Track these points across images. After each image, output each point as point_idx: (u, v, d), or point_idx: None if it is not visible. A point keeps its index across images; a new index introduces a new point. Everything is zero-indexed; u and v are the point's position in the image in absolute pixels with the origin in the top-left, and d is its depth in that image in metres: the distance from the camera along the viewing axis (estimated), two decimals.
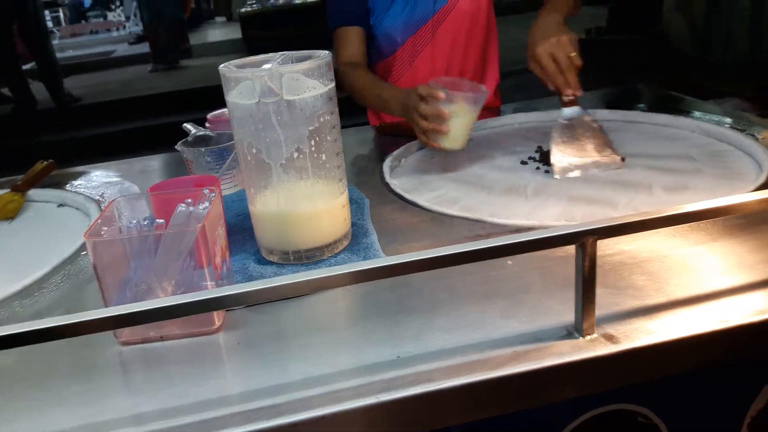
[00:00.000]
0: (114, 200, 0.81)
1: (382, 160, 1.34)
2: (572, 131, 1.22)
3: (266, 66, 0.82)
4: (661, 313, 0.72)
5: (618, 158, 1.19)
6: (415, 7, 1.58)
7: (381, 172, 1.29)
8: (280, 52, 0.89)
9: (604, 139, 1.22)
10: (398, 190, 1.18)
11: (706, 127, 1.33)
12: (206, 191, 0.76)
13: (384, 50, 1.64)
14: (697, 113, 1.42)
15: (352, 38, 1.58)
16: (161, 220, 0.72)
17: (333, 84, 0.86)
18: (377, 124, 1.72)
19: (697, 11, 5.08)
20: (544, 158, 1.25)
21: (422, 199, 1.13)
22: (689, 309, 0.72)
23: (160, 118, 5.02)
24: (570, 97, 1.22)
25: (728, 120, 1.35)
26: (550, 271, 0.82)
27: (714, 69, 4.96)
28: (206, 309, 0.61)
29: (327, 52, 0.86)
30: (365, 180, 1.27)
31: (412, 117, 1.26)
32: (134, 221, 0.74)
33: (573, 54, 1.19)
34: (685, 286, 0.77)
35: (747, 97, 2.75)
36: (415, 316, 0.76)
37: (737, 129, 1.27)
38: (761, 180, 1.04)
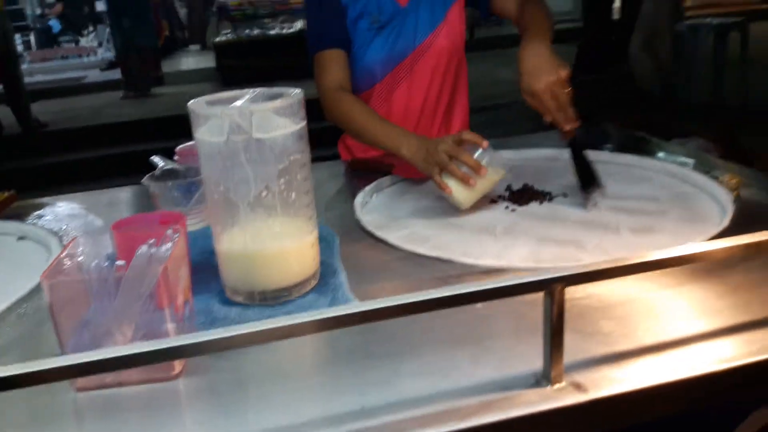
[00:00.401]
0: (75, 238, 0.79)
1: (354, 196, 1.33)
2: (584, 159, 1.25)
3: (236, 103, 0.81)
4: (629, 360, 0.72)
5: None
6: (396, 42, 1.59)
7: (352, 208, 1.28)
8: (252, 89, 0.89)
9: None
10: (369, 227, 1.17)
11: (670, 168, 1.35)
12: (169, 232, 0.74)
13: (362, 84, 1.64)
14: (661, 154, 1.45)
15: (336, 61, 1.54)
16: (121, 262, 0.70)
17: (304, 122, 0.85)
18: (349, 159, 1.72)
19: (662, 52, 5.26)
20: (513, 197, 1.26)
21: (393, 237, 1.12)
22: (657, 356, 0.72)
23: (131, 146, 4.96)
24: (570, 131, 1.23)
25: (692, 162, 1.37)
26: (520, 314, 0.82)
27: (678, 109, 5.11)
28: (163, 359, 0.58)
29: (299, 90, 0.85)
30: (336, 216, 1.26)
31: (439, 158, 1.20)
32: (94, 262, 0.71)
33: (570, 89, 1.21)
34: (652, 332, 0.77)
35: (710, 138, 2.83)
36: (383, 361, 0.74)
37: (700, 171, 1.30)
38: (724, 224, 1.06)
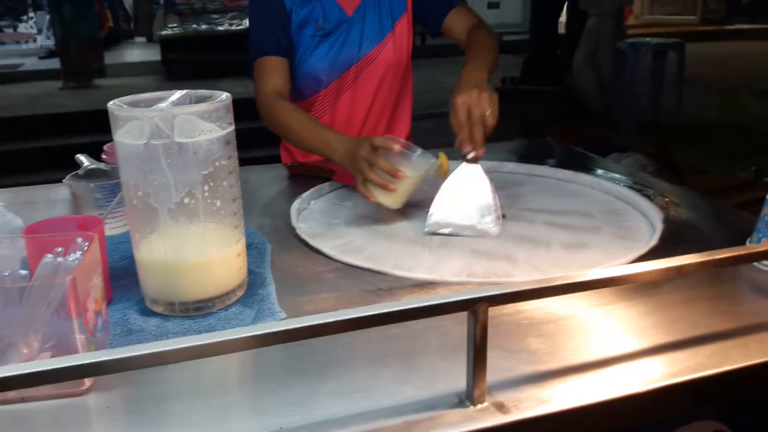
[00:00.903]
0: None
1: (291, 202, 1.30)
2: (462, 187, 1.19)
3: (158, 106, 0.77)
4: (554, 380, 0.71)
5: (493, 228, 1.15)
6: (341, 51, 1.57)
7: (287, 215, 1.25)
8: (180, 91, 0.85)
9: (492, 203, 1.17)
10: (303, 236, 1.15)
11: (605, 185, 1.38)
12: (79, 240, 0.69)
13: (305, 91, 1.62)
14: (599, 171, 1.47)
15: (276, 68, 1.51)
16: (25, 272, 0.65)
17: (232, 128, 0.82)
18: (290, 163, 1.69)
19: (604, 69, 5.42)
20: None
21: (327, 246, 1.09)
22: (582, 376, 0.72)
23: (68, 138, 4.76)
24: (471, 154, 1.18)
25: (627, 178, 1.40)
26: (447, 331, 0.81)
27: (618, 124, 5.28)
28: (64, 378, 0.54)
29: (227, 94, 0.82)
30: (270, 223, 1.22)
31: (359, 166, 1.19)
32: None
33: (488, 112, 1.18)
34: (579, 350, 0.77)
35: (647, 153, 2.92)
36: (306, 378, 0.72)
37: (634, 188, 1.33)
38: (653, 242, 1.08)
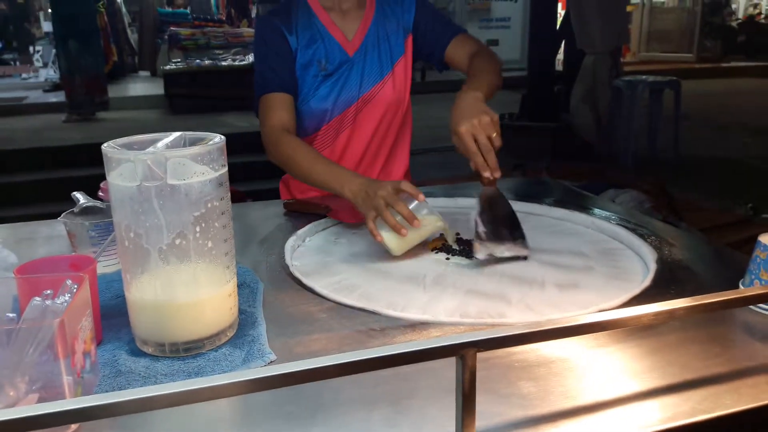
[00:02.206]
0: None
1: (286, 239, 1.31)
2: (492, 213, 1.24)
3: (151, 149, 0.78)
4: (545, 425, 0.71)
5: (525, 251, 1.21)
6: (342, 90, 1.60)
7: (282, 252, 1.25)
8: (175, 133, 0.86)
9: (517, 227, 1.25)
10: (297, 273, 1.15)
11: (599, 224, 1.38)
12: (69, 282, 0.69)
13: (307, 128, 1.65)
14: (594, 209, 1.48)
15: (282, 104, 1.53)
16: (12, 315, 0.65)
17: (225, 170, 0.82)
18: (287, 199, 1.69)
19: (601, 106, 5.48)
20: (446, 248, 1.26)
21: (320, 285, 1.09)
22: (573, 421, 0.72)
23: (70, 170, 4.79)
24: (489, 178, 1.22)
25: (621, 217, 1.41)
26: (438, 373, 0.80)
27: (615, 161, 5.31)
28: (50, 424, 0.54)
29: (221, 137, 0.83)
30: (264, 260, 1.22)
31: (376, 203, 1.20)
32: None
33: (494, 135, 1.21)
34: (570, 395, 0.76)
35: (644, 190, 2.94)
36: (294, 423, 0.71)
37: (628, 227, 1.33)
38: (646, 283, 1.08)
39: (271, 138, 1.49)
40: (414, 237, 1.21)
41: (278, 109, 1.53)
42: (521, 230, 1.25)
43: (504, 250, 1.20)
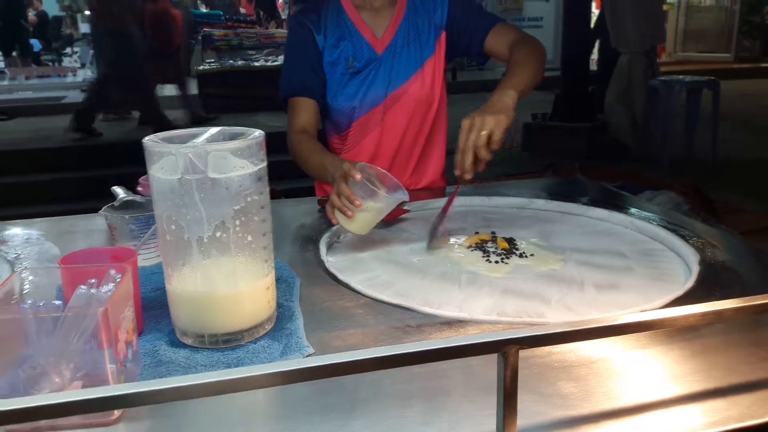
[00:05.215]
0: (14, 272, 0.75)
1: (321, 235, 1.31)
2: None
3: (193, 142, 0.79)
4: (586, 425, 0.69)
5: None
6: (368, 90, 1.60)
7: (317, 248, 1.25)
8: (215, 128, 0.87)
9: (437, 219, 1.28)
10: (332, 269, 1.15)
11: (639, 224, 1.35)
12: (112, 272, 0.71)
13: (338, 126, 1.66)
14: (633, 209, 1.45)
15: (304, 108, 1.58)
16: (59, 302, 0.66)
17: (264, 164, 0.83)
18: (321, 197, 1.70)
19: (636, 106, 5.38)
20: (481, 246, 1.25)
21: (355, 281, 1.09)
22: (615, 422, 0.70)
23: (107, 168, 4.88)
24: (457, 175, 1.22)
25: (661, 218, 1.38)
26: (475, 371, 0.79)
27: (651, 162, 5.21)
28: (95, 409, 0.55)
29: (260, 132, 0.83)
30: (300, 256, 1.23)
31: (333, 190, 1.27)
32: (30, 300, 0.67)
33: (483, 132, 1.19)
34: (611, 396, 0.75)
35: (681, 191, 2.87)
36: (332, 416, 0.71)
37: (668, 228, 1.30)
38: (689, 284, 1.05)
39: (290, 139, 1.57)
40: (368, 214, 1.21)
41: (300, 113, 1.59)
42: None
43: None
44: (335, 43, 1.58)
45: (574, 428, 0.69)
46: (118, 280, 0.70)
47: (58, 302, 0.67)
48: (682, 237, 1.25)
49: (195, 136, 0.83)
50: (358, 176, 1.19)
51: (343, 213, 1.21)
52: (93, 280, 0.68)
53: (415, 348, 0.58)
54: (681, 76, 5.61)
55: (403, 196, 1.22)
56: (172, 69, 6.19)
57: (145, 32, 5.60)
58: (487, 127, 1.20)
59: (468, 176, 1.21)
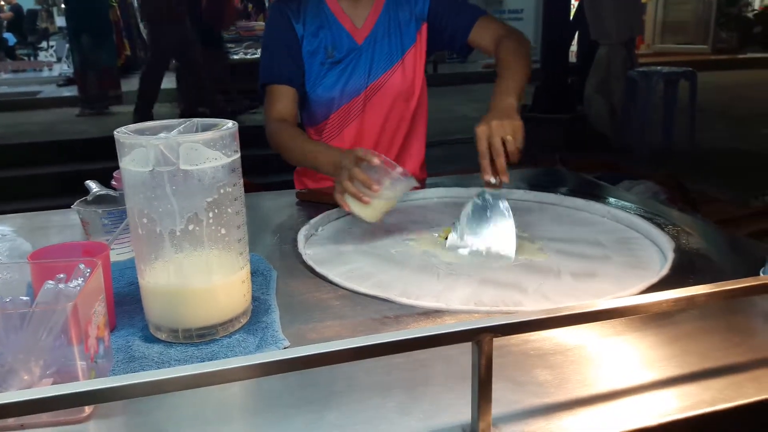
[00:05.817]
0: None
1: (299, 228, 1.30)
2: (483, 212, 1.21)
3: (164, 134, 0.77)
4: (562, 413, 0.69)
5: (509, 251, 1.16)
6: (348, 80, 1.58)
7: (295, 241, 1.25)
8: (187, 119, 0.85)
9: (509, 230, 1.19)
10: (310, 262, 1.14)
11: (616, 213, 1.36)
12: (81, 266, 0.69)
13: (317, 116, 1.64)
14: (610, 199, 1.46)
15: (283, 96, 1.56)
16: (26, 298, 0.65)
17: (237, 155, 0.82)
18: (300, 189, 1.69)
19: (615, 97, 5.42)
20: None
21: (333, 273, 1.09)
22: (590, 409, 0.70)
23: (83, 164, 4.82)
24: (492, 180, 1.19)
25: (638, 207, 1.39)
26: (453, 360, 0.79)
27: (629, 152, 5.26)
28: (64, 405, 0.53)
29: (233, 123, 0.82)
30: (277, 249, 1.22)
31: (340, 176, 1.22)
32: None
33: (509, 138, 1.18)
34: (587, 383, 0.75)
35: (659, 181, 2.90)
36: (306, 409, 0.70)
37: (645, 217, 1.31)
38: (664, 271, 1.06)
39: (268, 128, 1.55)
40: (381, 203, 1.20)
41: (278, 101, 1.56)
42: (511, 232, 1.19)
43: (475, 250, 1.18)
44: (314, 32, 1.57)
45: (549, 415, 0.69)
46: (88, 274, 0.69)
47: (25, 298, 0.66)
48: (658, 225, 1.26)
49: (167, 127, 0.82)
50: (377, 161, 1.18)
51: (359, 199, 1.18)
52: (62, 275, 0.67)
53: (389, 338, 0.58)
54: (659, 68, 5.67)
55: (414, 182, 1.22)
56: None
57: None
58: (504, 128, 1.19)
59: (505, 179, 1.19)
